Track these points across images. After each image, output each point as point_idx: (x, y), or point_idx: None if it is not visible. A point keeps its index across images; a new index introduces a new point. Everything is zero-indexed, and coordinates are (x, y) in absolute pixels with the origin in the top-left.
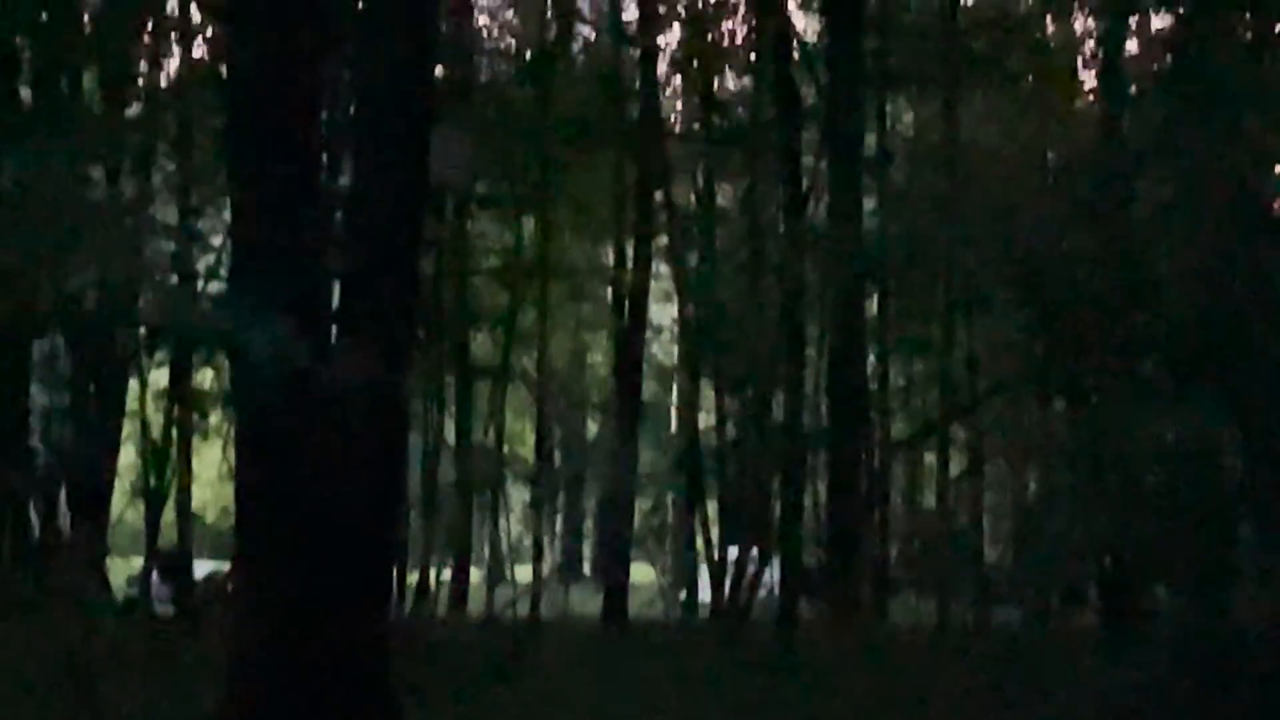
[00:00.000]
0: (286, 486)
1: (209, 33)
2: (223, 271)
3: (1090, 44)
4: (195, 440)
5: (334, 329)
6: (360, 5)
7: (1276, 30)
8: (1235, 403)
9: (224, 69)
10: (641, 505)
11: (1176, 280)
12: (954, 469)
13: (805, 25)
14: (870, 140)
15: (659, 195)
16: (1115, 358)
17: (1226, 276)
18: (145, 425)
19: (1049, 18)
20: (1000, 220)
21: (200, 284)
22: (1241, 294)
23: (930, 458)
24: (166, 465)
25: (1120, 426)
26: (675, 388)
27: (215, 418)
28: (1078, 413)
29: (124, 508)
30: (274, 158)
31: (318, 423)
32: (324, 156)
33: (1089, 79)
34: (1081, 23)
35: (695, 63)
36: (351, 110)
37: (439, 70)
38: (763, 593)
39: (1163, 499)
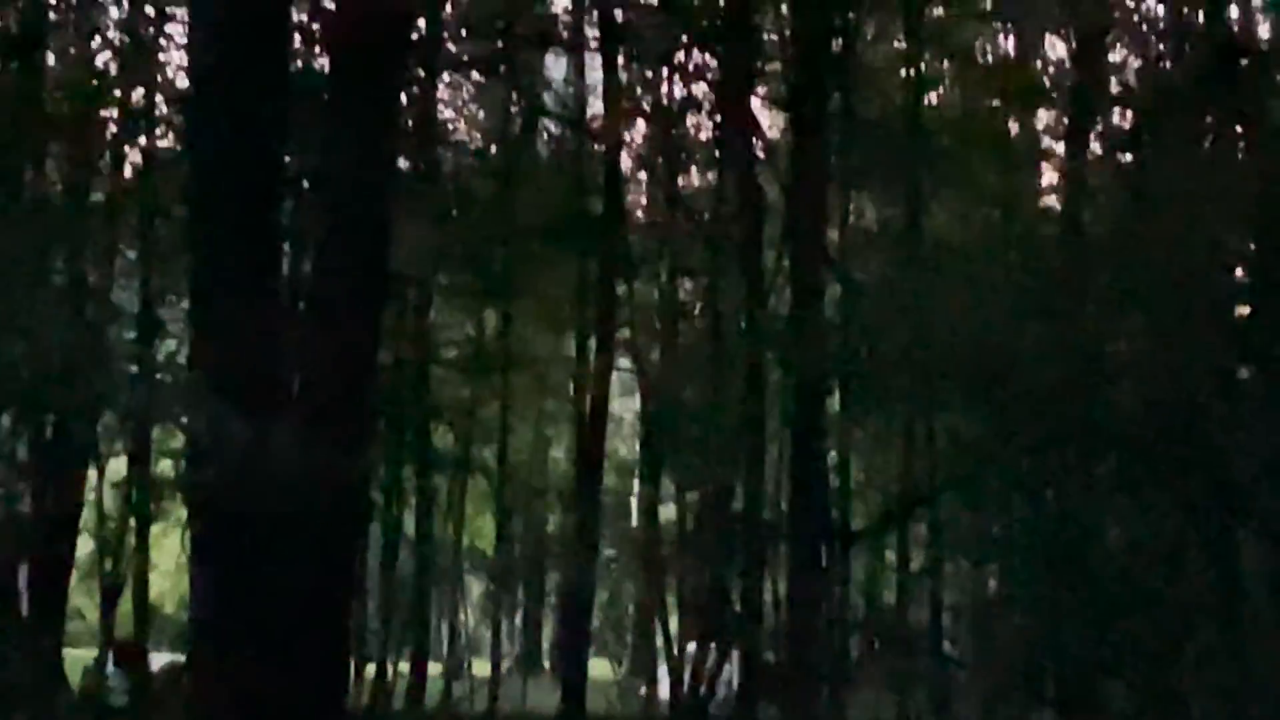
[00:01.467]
0: (243, 576)
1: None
2: (182, 359)
3: (1051, 141)
4: (154, 530)
5: (293, 417)
6: (324, 95)
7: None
8: (1190, 500)
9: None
10: (601, 599)
11: (1131, 374)
12: (913, 564)
13: (769, 121)
14: (832, 235)
15: (621, 289)
16: (1071, 453)
17: (1183, 372)
18: (103, 515)
19: (1010, 116)
20: (960, 314)
21: (160, 372)
22: (1197, 390)
23: (889, 553)
24: (123, 555)
25: (1076, 523)
26: (636, 481)
27: (173, 507)
28: (1035, 508)
29: (82, 598)
30: (234, 245)
31: (275, 512)
32: (285, 245)
33: (1050, 175)
34: (1044, 120)
35: (659, 158)
36: (313, 199)
37: (402, 161)
38: (722, 690)
39: (1119, 597)
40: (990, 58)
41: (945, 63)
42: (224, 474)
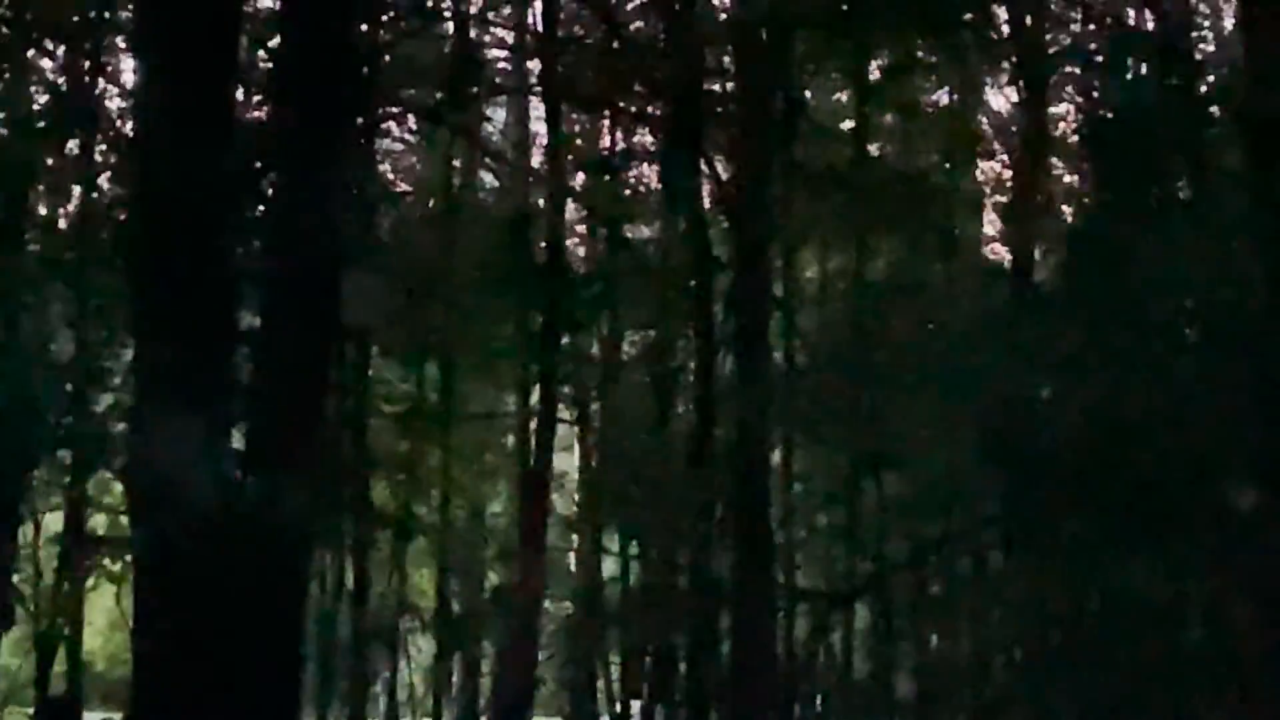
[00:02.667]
0: (188, 633)
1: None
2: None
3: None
4: (88, 586)
5: (240, 468)
6: (271, 145)
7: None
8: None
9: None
10: (543, 657)
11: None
12: (859, 623)
13: (716, 172)
14: (780, 288)
15: (564, 342)
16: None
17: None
18: (38, 570)
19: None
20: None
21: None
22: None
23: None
24: (57, 612)
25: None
26: (578, 537)
27: (109, 563)
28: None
29: (13, 655)
30: (179, 294)
31: (220, 565)
32: (232, 295)
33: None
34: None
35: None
36: (262, 249)
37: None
38: None
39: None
40: (933, 110)
41: (889, 115)
42: (168, 529)
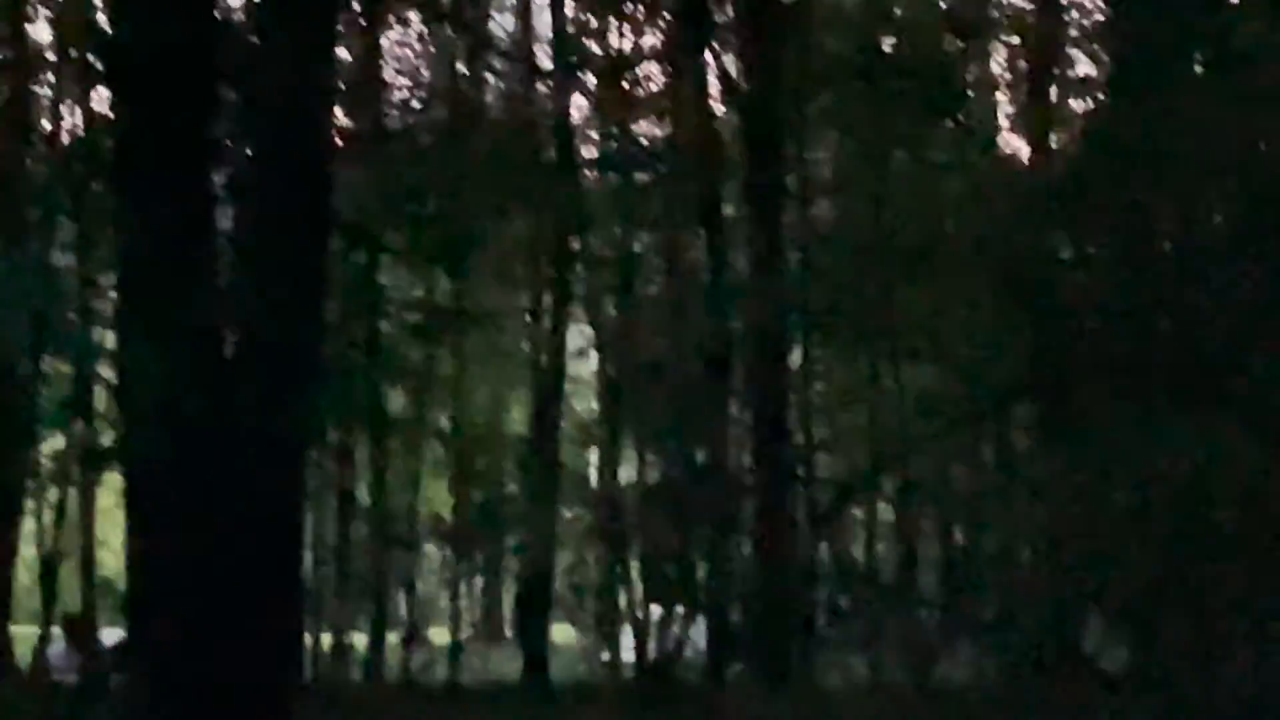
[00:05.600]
0: (183, 546)
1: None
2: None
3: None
4: (103, 503)
5: (232, 374)
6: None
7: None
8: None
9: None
10: (561, 563)
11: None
12: (882, 518)
13: (725, 70)
14: (793, 184)
15: (575, 244)
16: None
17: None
18: (45, 490)
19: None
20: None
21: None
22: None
23: (861, 510)
24: (65, 529)
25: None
26: (595, 442)
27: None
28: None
29: (28, 574)
30: (165, 198)
31: (215, 476)
32: (219, 199)
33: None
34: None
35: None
36: (249, 148)
37: (347, 117)
38: (689, 653)
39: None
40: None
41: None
42: (159, 437)
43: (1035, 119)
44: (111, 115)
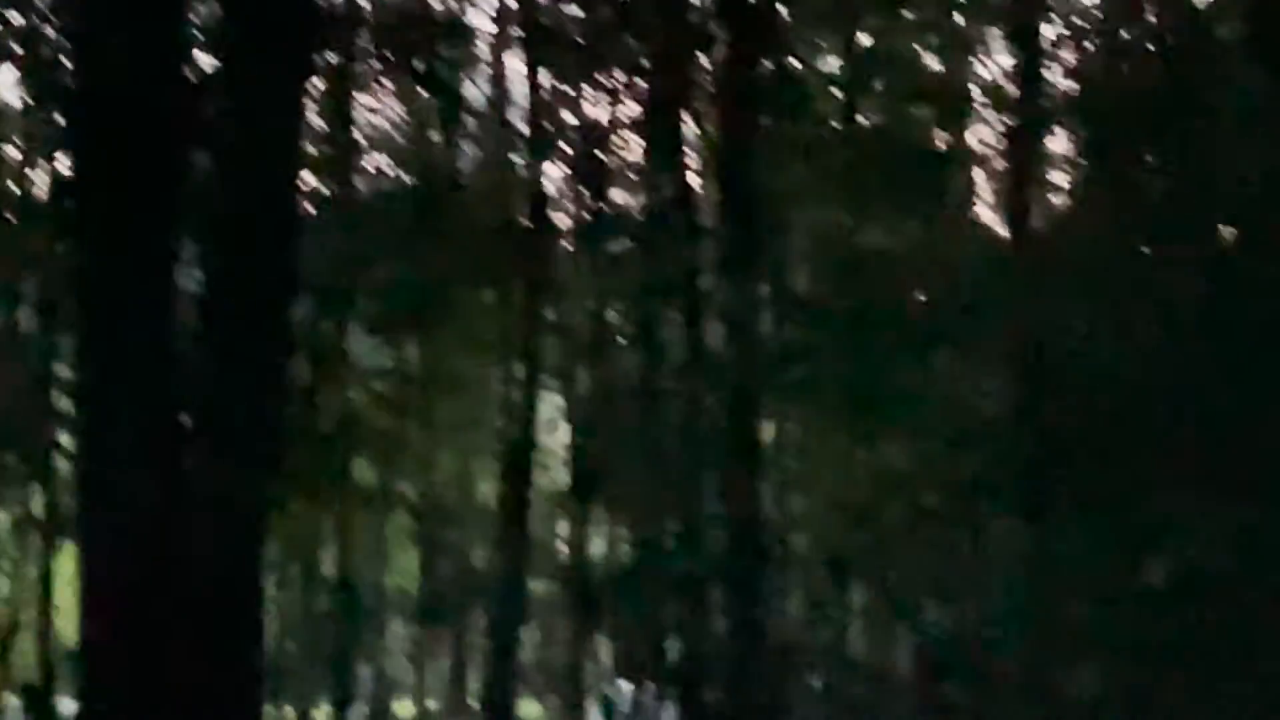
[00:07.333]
0: (136, 614)
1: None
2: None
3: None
4: (65, 572)
5: (191, 439)
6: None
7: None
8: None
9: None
10: (530, 638)
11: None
12: (856, 596)
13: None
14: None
15: (548, 312)
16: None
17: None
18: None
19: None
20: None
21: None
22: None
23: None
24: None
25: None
26: (565, 515)
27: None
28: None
29: None
30: (126, 259)
31: (169, 544)
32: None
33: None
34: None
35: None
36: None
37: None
38: None
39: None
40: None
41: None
42: (114, 507)
43: (1013, 193)
44: (74, 176)
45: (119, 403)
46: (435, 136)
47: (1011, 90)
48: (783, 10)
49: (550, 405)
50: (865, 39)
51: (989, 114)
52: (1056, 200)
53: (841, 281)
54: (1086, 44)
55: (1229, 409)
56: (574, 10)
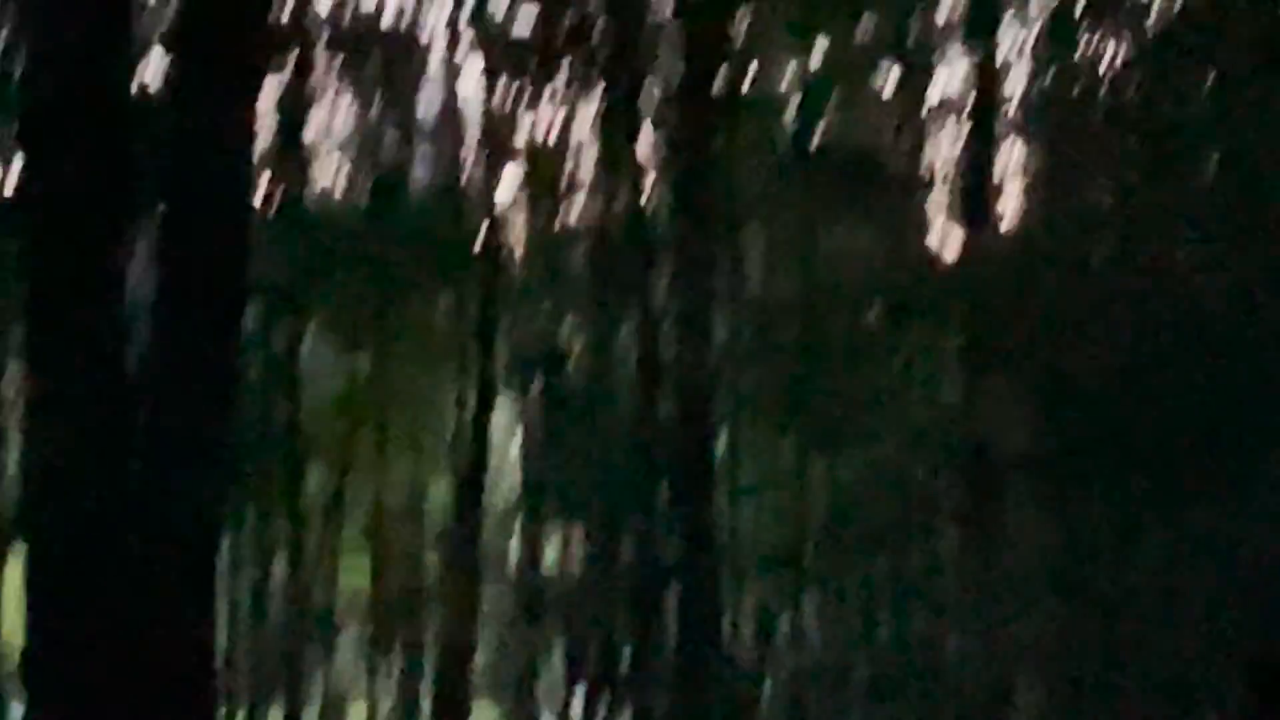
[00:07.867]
0: (84, 621)
1: None
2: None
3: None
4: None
5: (140, 442)
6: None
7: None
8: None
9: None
10: (483, 645)
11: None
12: (807, 604)
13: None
14: (723, 269)
15: (502, 323)
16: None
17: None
18: None
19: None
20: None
21: None
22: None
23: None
24: None
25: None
26: (518, 523)
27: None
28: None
29: None
30: (73, 266)
31: (121, 549)
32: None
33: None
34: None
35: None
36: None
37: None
38: None
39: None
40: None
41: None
42: (60, 508)
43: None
44: (22, 181)
45: (67, 410)
46: (389, 147)
47: (968, 103)
48: (739, 23)
49: (503, 414)
50: (821, 51)
51: (946, 126)
52: (1012, 211)
53: (796, 292)
54: (1041, 57)
55: (1183, 419)
56: (529, 22)
